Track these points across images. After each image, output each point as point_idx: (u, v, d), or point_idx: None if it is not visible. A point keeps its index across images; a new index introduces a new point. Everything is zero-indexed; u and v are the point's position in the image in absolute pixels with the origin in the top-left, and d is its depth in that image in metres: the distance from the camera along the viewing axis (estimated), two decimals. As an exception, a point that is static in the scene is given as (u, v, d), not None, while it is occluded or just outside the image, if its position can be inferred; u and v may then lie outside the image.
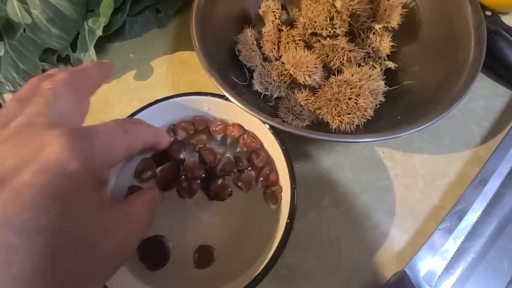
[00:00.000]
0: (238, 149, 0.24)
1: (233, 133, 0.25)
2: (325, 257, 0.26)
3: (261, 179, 0.23)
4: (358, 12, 0.24)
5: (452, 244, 0.24)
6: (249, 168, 0.24)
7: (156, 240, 0.22)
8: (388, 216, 0.27)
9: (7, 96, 0.36)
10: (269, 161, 0.24)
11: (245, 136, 0.24)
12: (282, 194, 0.23)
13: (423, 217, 0.27)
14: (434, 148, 0.30)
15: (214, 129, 0.25)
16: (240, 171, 0.23)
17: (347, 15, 0.24)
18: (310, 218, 0.27)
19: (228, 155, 0.25)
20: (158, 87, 0.36)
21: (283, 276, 0.25)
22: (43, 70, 0.34)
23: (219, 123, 0.25)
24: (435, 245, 0.24)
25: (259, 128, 0.23)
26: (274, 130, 0.22)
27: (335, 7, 0.25)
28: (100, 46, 0.37)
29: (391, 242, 0.26)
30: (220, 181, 0.23)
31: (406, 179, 0.29)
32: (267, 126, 0.22)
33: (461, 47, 0.26)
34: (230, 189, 0.23)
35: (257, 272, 0.19)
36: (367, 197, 0.28)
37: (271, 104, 0.30)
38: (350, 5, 0.24)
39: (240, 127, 0.24)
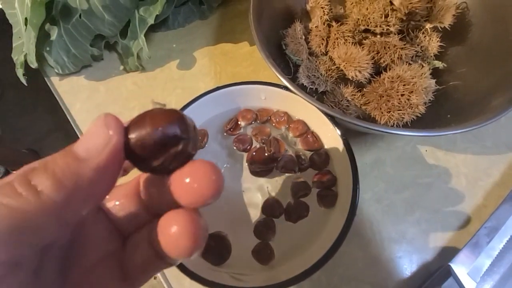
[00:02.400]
0: (299, 147, 0.25)
1: (296, 130, 0.25)
2: (368, 248, 0.27)
3: (319, 180, 0.24)
4: (416, 10, 0.25)
5: (497, 242, 0.25)
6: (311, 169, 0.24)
7: (216, 237, 0.22)
8: (430, 213, 0.28)
9: (54, 80, 0.37)
10: (329, 162, 0.25)
11: (308, 135, 0.25)
12: (338, 200, 0.23)
13: (466, 215, 0.27)
14: (477, 149, 0.30)
15: (277, 120, 0.25)
16: (301, 170, 0.24)
17: (404, 13, 0.25)
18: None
19: (289, 152, 0.25)
20: (200, 77, 0.36)
21: (326, 264, 0.26)
22: (92, 55, 0.36)
23: (282, 115, 0.25)
24: (480, 243, 0.25)
25: (318, 120, 0.24)
26: (334, 121, 0.23)
27: (391, 4, 0.26)
28: (145, 35, 0.38)
29: (433, 238, 0.27)
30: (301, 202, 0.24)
31: (449, 178, 0.29)
32: (329, 120, 0.23)
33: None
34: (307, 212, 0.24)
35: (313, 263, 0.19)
36: (409, 193, 0.29)
37: (314, 98, 0.31)
38: (410, 3, 0.24)
39: (304, 124, 0.25)
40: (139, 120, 0.12)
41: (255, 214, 0.24)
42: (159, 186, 0.13)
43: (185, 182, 0.12)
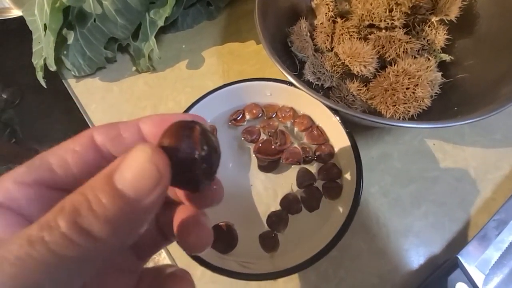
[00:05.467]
0: (305, 141, 0.26)
1: (301, 124, 0.26)
2: (374, 241, 0.27)
3: (324, 172, 0.25)
4: (421, 4, 0.25)
5: (507, 235, 0.24)
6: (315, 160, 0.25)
7: (224, 227, 0.23)
8: (437, 206, 0.28)
9: (71, 81, 0.39)
10: (333, 155, 0.25)
11: (313, 130, 0.25)
12: (342, 192, 0.24)
13: (474, 208, 0.27)
14: (486, 142, 0.30)
15: (283, 115, 0.26)
16: (306, 162, 0.25)
17: (408, 7, 0.25)
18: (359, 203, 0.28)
19: (295, 145, 0.26)
20: (209, 76, 0.37)
21: (333, 256, 0.26)
22: (106, 57, 0.37)
23: (288, 110, 0.26)
24: (489, 235, 0.25)
25: (323, 115, 0.24)
26: (338, 115, 0.23)
27: (395, -1, 0.26)
28: (155, 37, 0.40)
29: (441, 231, 0.27)
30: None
31: (457, 171, 0.29)
32: (333, 114, 0.23)
33: (522, 41, 0.26)
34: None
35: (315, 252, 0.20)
36: (416, 187, 0.29)
37: (320, 93, 0.32)
38: (414, -3, 0.24)
39: (310, 119, 0.26)
40: (172, 136, 0.11)
41: (261, 206, 0.25)
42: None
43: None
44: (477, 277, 0.23)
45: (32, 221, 0.11)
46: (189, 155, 0.11)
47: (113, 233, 0.10)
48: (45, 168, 0.12)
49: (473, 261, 0.24)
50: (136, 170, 0.10)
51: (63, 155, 0.13)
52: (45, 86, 0.36)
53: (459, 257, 0.24)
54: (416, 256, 0.26)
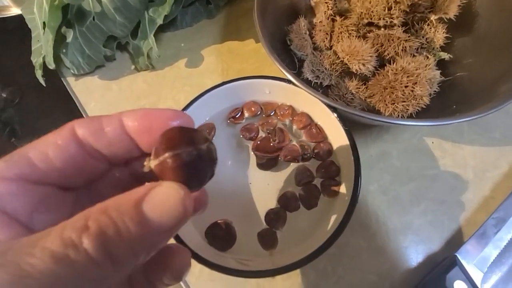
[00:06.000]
0: (303, 138, 0.26)
1: (300, 122, 0.26)
2: (373, 239, 0.27)
3: (323, 170, 0.25)
4: (420, 2, 0.25)
5: (505, 233, 0.24)
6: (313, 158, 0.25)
7: (222, 224, 0.23)
8: (436, 204, 0.28)
9: (70, 80, 0.39)
10: (332, 153, 0.25)
11: (312, 127, 0.25)
12: (340, 190, 0.24)
13: (473, 206, 0.27)
14: (485, 141, 0.30)
15: (282, 113, 0.26)
16: (304, 160, 0.25)
17: (407, 5, 0.25)
18: (358, 202, 0.28)
19: (294, 142, 0.26)
20: (208, 74, 0.37)
21: (332, 254, 0.26)
22: (105, 56, 0.37)
23: (287, 108, 0.26)
24: (487, 233, 0.25)
25: (322, 113, 0.24)
26: (337, 113, 0.23)
27: (394, -3, 0.26)
28: (154, 35, 0.40)
29: (440, 229, 0.27)
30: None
31: (456, 169, 0.29)
32: (332, 112, 0.23)
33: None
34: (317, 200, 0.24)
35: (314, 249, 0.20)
36: (415, 185, 0.29)
37: (319, 92, 0.32)
38: (413, -5, 0.24)
39: (308, 117, 0.26)
40: (179, 142, 0.11)
41: (260, 204, 0.25)
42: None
43: None
44: (476, 275, 0.23)
45: (16, 218, 0.12)
46: (197, 157, 0.11)
47: (134, 259, 0.10)
48: (24, 162, 0.12)
49: (472, 259, 0.24)
50: (167, 207, 0.11)
51: (43, 149, 0.12)
52: (44, 85, 0.36)
53: (457, 255, 0.24)
54: (415, 254, 0.26)
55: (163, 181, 0.11)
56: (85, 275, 0.09)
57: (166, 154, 0.11)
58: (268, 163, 0.26)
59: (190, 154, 0.11)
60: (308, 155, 0.25)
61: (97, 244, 0.09)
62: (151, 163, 0.11)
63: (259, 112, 0.27)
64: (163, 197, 0.11)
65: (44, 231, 0.10)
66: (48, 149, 0.12)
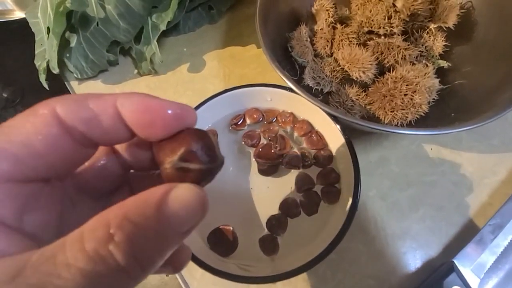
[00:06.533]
0: (304, 145, 0.26)
1: (301, 130, 0.27)
2: (372, 244, 0.27)
3: (323, 177, 0.25)
4: (419, 12, 0.25)
5: (502, 240, 0.25)
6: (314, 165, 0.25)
7: (224, 230, 0.24)
8: (435, 210, 0.28)
9: (73, 84, 0.40)
10: (332, 160, 0.26)
11: (312, 135, 0.26)
12: (340, 196, 0.24)
13: (471, 212, 0.28)
14: (483, 148, 0.30)
15: (283, 120, 0.27)
16: (305, 167, 0.25)
17: (407, 14, 0.26)
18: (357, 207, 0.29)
19: (295, 149, 0.27)
20: (210, 79, 0.38)
21: (332, 259, 0.27)
22: (108, 60, 0.38)
23: (288, 115, 0.27)
24: (484, 240, 0.25)
25: (322, 120, 0.25)
26: (337, 121, 0.24)
27: (394, 6, 0.26)
28: (157, 40, 0.40)
29: (438, 235, 0.27)
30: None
31: (454, 176, 0.29)
32: (332, 120, 0.24)
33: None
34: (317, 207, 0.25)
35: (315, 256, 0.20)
36: (414, 191, 0.29)
37: (319, 99, 0.32)
38: (412, 5, 0.25)
39: (309, 124, 0.26)
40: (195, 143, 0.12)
41: (261, 210, 0.26)
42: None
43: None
44: (473, 280, 0.24)
45: (5, 223, 0.10)
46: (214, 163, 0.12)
47: (160, 261, 0.10)
48: (10, 160, 0.10)
49: (469, 265, 0.24)
50: (189, 208, 0.11)
51: (27, 141, 0.11)
52: (48, 88, 0.37)
53: (455, 260, 0.24)
54: (413, 259, 0.26)
55: (179, 183, 0.11)
56: (116, 284, 0.09)
57: (187, 160, 0.11)
58: (269, 169, 0.26)
59: (209, 161, 0.12)
60: (309, 162, 0.26)
61: (126, 253, 0.09)
62: (169, 166, 0.11)
63: (260, 119, 0.28)
64: (184, 199, 0.11)
65: (55, 244, 0.09)
66: (33, 140, 0.11)
